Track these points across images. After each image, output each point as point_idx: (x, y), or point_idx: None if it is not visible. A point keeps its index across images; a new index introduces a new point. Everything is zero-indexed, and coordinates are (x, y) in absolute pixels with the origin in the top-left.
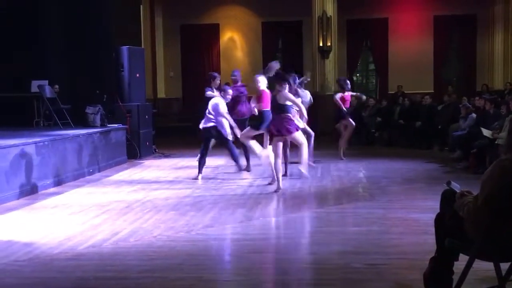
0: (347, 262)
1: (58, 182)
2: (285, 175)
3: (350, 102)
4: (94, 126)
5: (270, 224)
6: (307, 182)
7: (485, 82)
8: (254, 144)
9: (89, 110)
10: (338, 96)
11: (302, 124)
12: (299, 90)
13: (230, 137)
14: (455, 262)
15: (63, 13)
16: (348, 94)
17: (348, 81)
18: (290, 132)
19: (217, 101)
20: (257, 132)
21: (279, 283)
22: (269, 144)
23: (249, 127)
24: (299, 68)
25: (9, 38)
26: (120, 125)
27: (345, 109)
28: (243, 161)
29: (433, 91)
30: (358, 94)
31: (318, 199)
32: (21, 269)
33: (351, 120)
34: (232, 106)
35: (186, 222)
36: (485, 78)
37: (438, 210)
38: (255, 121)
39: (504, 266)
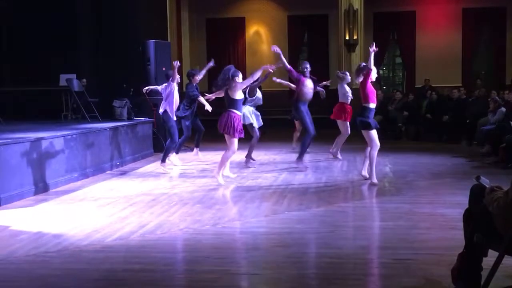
0: (374, 257)
1: (86, 174)
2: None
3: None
4: (121, 120)
5: (296, 218)
6: (333, 177)
7: None
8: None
9: (116, 103)
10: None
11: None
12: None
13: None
14: (484, 258)
15: (90, 8)
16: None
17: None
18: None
19: None
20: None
21: (306, 277)
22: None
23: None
24: (325, 62)
25: (38, 33)
26: (147, 119)
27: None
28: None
29: (461, 84)
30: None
31: (344, 193)
32: (51, 260)
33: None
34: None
35: (212, 215)
36: None
37: (466, 205)
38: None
39: None
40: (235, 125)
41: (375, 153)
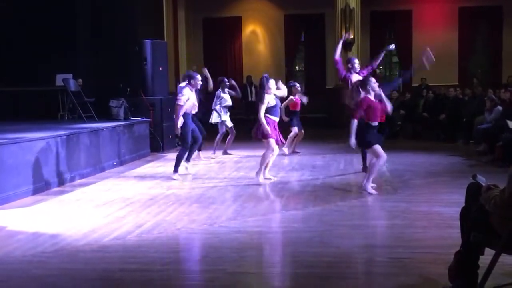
0: (371, 256)
1: (83, 175)
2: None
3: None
4: (117, 119)
5: (292, 217)
6: (330, 176)
7: (511, 74)
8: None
9: (113, 103)
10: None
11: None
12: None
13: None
14: (481, 256)
15: (87, 7)
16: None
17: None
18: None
19: None
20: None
21: (303, 276)
22: None
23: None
24: (322, 61)
25: (34, 32)
26: (143, 118)
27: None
28: None
29: (457, 83)
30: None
31: (341, 192)
32: (48, 260)
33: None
34: None
35: (209, 214)
36: (511, 70)
37: (463, 204)
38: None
39: None
40: (269, 127)
41: (380, 163)
